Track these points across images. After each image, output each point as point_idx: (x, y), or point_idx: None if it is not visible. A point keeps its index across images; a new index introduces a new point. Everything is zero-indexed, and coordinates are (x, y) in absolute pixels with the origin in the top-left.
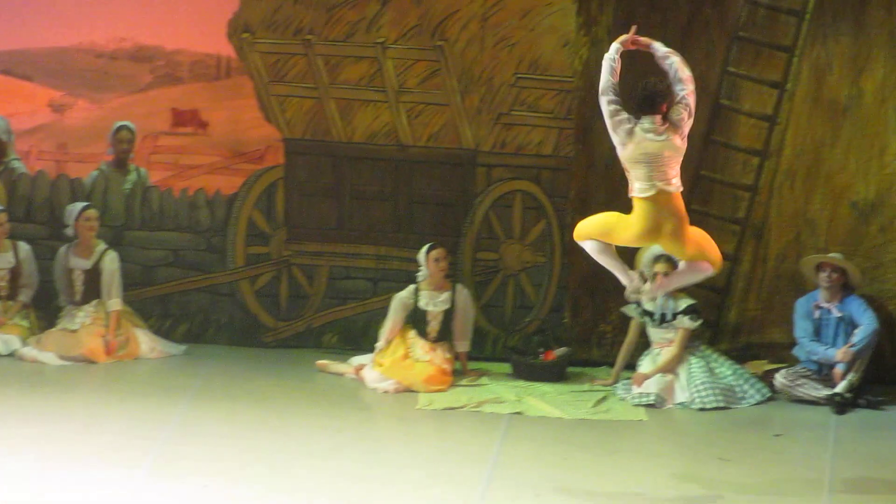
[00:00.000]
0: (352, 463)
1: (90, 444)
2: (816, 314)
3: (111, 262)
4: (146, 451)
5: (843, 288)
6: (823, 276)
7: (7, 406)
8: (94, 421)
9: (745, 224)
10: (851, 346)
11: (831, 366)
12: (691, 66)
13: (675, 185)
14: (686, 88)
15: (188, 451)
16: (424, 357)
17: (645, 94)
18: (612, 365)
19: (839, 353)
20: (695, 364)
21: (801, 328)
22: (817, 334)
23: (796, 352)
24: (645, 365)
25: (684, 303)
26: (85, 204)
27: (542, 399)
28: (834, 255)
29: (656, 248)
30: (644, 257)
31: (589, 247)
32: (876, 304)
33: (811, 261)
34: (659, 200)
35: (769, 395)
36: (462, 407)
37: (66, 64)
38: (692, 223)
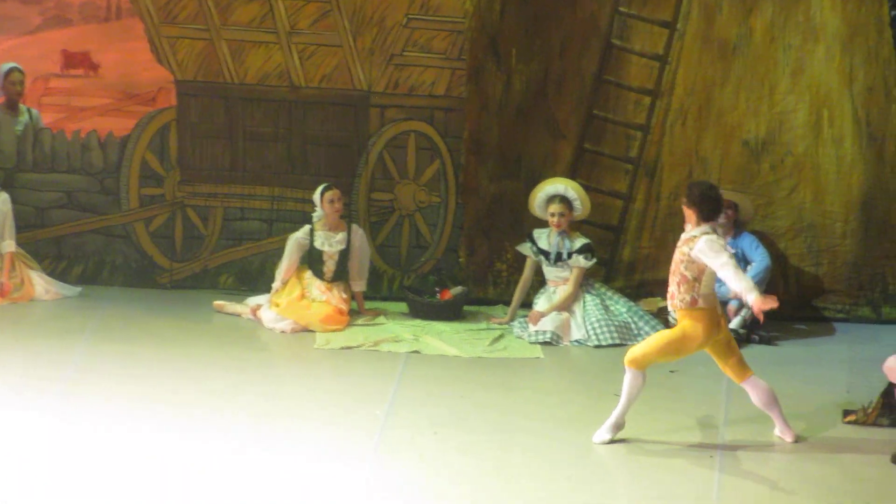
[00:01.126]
0: (251, 402)
1: None
2: None
3: (3, 204)
4: (44, 392)
5: (735, 224)
6: None
7: None
8: None
9: (638, 163)
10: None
11: (724, 302)
12: (582, 6)
13: None
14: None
15: (87, 391)
16: (321, 297)
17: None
18: (507, 304)
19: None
20: (590, 302)
21: None
22: None
23: None
24: (541, 303)
25: (579, 241)
26: None
27: (439, 338)
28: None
29: (550, 189)
30: (537, 199)
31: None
32: (767, 240)
33: None
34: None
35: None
36: (359, 346)
37: None
38: (586, 163)
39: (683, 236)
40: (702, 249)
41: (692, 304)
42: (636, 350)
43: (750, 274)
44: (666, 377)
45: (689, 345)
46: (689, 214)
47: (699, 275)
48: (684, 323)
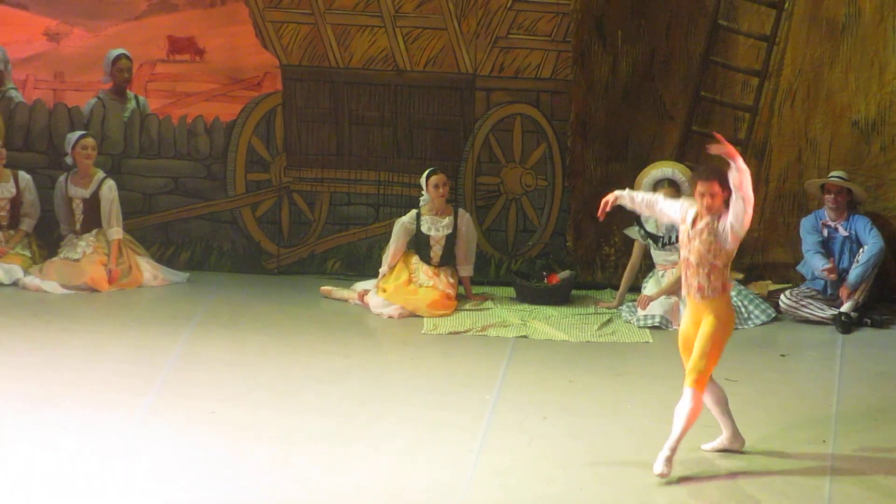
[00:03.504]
0: (358, 387)
1: (94, 371)
2: (824, 232)
3: (109, 191)
4: (151, 379)
5: (849, 206)
6: (829, 197)
7: (11, 335)
8: (98, 349)
9: (747, 145)
10: (856, 265)
11: (837, 285)
12: None
13: None
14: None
15: (193, 377)
16: (428, 282)
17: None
18: (616, 287)
19: (843, 291)
20: None
21: (807, 242)
22: (824, 249)
23: (801, 268)
24: (649, 287)
25: None
26: (81, 133)
27: (547, 322)
28: (837, 175)
29: (657, 172)
30: (644, 182)
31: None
32: (880, 221)
33: (815, 182)
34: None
35: (774, 315)
36: (467, 331)
37: None
38: (694, 145)
39: (698, 227)
40: (732, 216)
41: (724, 289)
42: (693, 369)
43: (864, 257)
44: (776, 361)
45: (730, 330)
46: (717, 197)
47: (728, 260)
48: (720, 311)
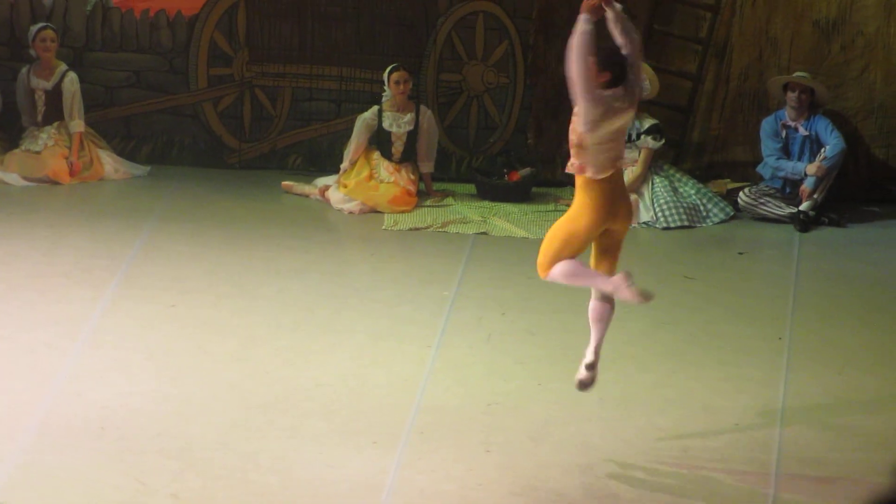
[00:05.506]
0: (318, 282)
1: (56, 264)
2: (783, 133)
3: (71, 84)
4: (113, 271)
5: (810, 106)
6: (792, 95)
7: None
8: (59, 241)
9: (708, 43)
10: (823, 160)
11: (796, 183)
12: None
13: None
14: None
15: (155, 270)
16: (389, 178)
17: (616, 61)
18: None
19: (810, 167)
20: (658, 183)
21: (768, 147)
22: (784, 153)
23: (760, 169)
24: None
25: (648, 122)
26: (42, 24)
27: (508, 219)
28: (801, 75)
29: None
30: None
31: (559, 274)
32: (839, 121)
33: (778, 81)
34: (615, 179)
35: (732, 213)
36: (427, 227)
37: None
38: (655, 44)
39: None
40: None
41: (580, 169)
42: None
43: (827, 154)
44: (734, 259)
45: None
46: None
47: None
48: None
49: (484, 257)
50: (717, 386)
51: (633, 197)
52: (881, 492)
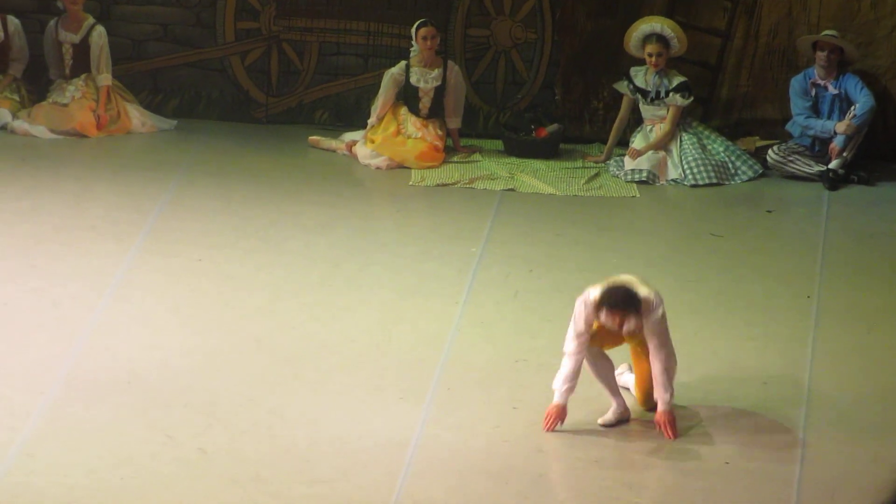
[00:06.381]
0: (345, 238)
1: (83, 216)
2: (813, 92)
3: (99, 37)
4: (139, 225)
5: (839, 65)
6: (821, 55)
7: None
8: (86, 194)
9: (737, 1)
10: (852, 119)
11: (825, 141)
12: None
13: None
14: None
15: (181, 225)
16: (416, 133)
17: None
18: (604, 142)
19: (840, 125)
20: (687, 141)
21: (798, 105)
22: (813, 111)
23: (789, 127)
24: (637, 141)
25: (676, 80)
26: None
27: (535, 175)
28: (830, 34)
29: (646, 28)
30: (633, 38)
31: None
32: (868, 79)
33: (808, 40)
34: None
35: (761, 171)
36: (454, 183)
37: None
38: (684, 0)
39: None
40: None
41: None
42: None
43: (857, 112)
44: (762, 217)
45: None
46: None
47: None
48: None
49: (511, 214)
50: (743, 345)
51: (660, 154)
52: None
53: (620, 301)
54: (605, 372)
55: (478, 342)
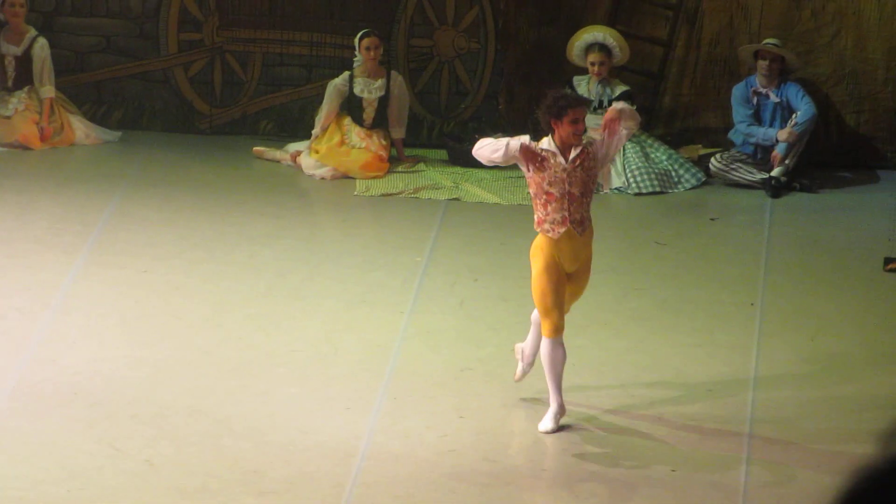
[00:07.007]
0: (290, 248)
1: (27, 229)
2: (754, 100)
3: (41, 49)
4: (84, 237)
5: (781, 73)
6: (763, 63)
7: None
8: (30, 207)
9: (679, 9)
10: (794, 126)
11: (767, 149)
12: None
13: None
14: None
15: (126, 236)
16: (360, 144)
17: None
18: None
19: (782, 133)
20: (630, 149)
21: (739, 113)
22: (755, 119)
23: (732, 135)
24: None
25: (619, 88)
26: None
27: (479, 185)
28: (772, 42)
29: (588, 37)
30: (576, 48)
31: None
32: (810, 87)
33: (749, 49)
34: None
35: (704, 179)
36: (399, 193)
37: None
38: (626, 9)
39: (573, 155)
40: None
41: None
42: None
43: (798, 120)
44: (706, 224)
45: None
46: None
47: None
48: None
49: (456, 223)
50: (689, 352)
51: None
52: (872, 461)
53: (573, 98)
54: (557, 366)
55: (424, 351)
